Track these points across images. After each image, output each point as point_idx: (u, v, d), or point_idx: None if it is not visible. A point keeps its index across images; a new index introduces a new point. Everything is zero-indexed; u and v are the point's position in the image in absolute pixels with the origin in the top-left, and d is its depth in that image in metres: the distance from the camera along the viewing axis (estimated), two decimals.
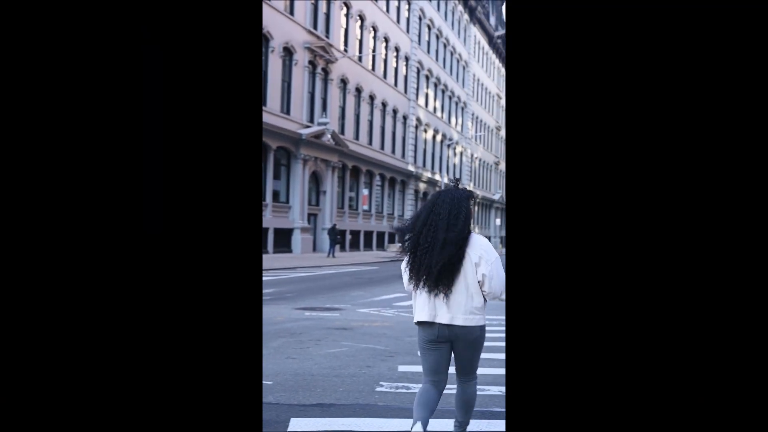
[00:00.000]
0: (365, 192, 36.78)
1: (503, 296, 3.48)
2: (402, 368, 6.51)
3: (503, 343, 7.62)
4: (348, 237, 34.21)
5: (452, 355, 3.83)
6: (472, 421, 4.35)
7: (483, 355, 4.00)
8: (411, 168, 43.13)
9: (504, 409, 5.02)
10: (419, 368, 6.53)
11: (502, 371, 6.42)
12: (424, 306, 3.71)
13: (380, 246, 38.93)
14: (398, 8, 40.73)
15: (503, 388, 5.70)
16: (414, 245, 3.71)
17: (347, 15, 33.65)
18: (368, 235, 37.47)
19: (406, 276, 3.82)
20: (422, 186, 45.75)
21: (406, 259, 3.78)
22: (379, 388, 5.60)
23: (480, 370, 4.08)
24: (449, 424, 4.29)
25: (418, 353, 3.98)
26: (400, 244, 3.89)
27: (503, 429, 4.52)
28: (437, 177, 47.55)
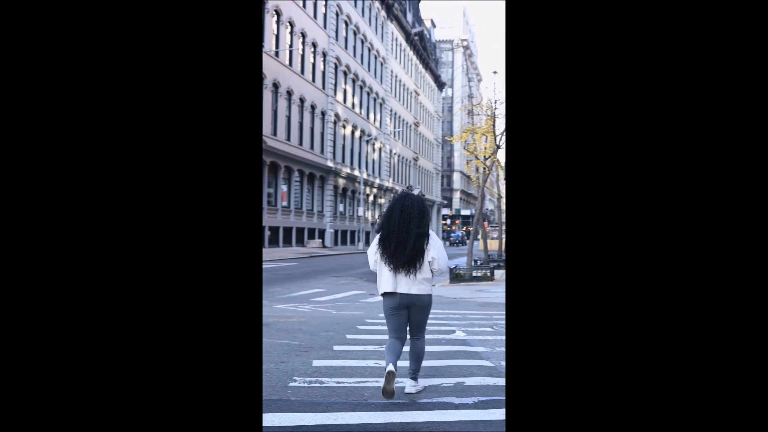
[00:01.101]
0: (284, 188, 36.48)
1: (447, 270, 5.90)
2: (316, 363, 6.54)
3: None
4: (267, 233, 33.88)
5: (408, 319, 5.18)
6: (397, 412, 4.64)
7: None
8: (330, 164, 43.06)
9: (422, 400, 5.14)
10: (333, 363, 6.60)
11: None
12: (388, 281, 5.07)
13: (300, 242, 38.73)
14: (315, 4, 40.54)
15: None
16: (387, 236, 5.04)
17: (264, 11, 33.27)
18: (287, 231, 37.20)
19: (373, 258, 5.18)
20: (341, 182, 45.75)
21: (374, 246, 5.16)
22: (292, 383, 5.61)
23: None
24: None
25: (382, 316, 5.48)
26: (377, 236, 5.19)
27: (424, 420, 4.63)
28: (356, 173, 47.64)
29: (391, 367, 4.85)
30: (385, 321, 5.34)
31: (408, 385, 5.29)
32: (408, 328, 5.23)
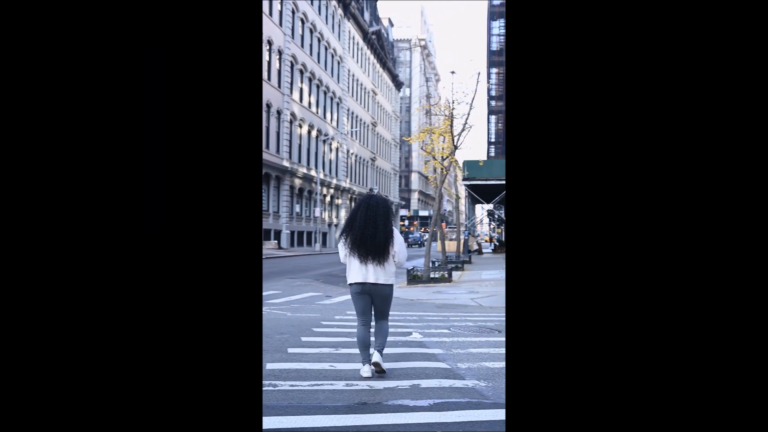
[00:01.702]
0: None
1: (405, 264, 8.68)
2: (270, 366, 6.40)
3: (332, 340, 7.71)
4: None
5: (372, 305, 6.05)
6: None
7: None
8: (286, 164, 42.75)
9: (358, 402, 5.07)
10: (288, 366, 6.48)
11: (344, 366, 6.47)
12: (357, 271, 5.93)
13: None
14: (270, 2, 40.21)
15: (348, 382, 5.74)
16: (356, 231, 5.87)
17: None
18: None
19: (343, 252, 6.00)
20: (298, 182, 45.46)
21: (342, 241, 5.99)
22: None
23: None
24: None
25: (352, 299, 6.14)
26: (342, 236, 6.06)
27: (373, 423, 4.56)
28: (313, 173, 47.39)
29: (367, 372, 5.89)
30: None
31: (375, 356, 5.97)
32: (373, 314, 6.07)
